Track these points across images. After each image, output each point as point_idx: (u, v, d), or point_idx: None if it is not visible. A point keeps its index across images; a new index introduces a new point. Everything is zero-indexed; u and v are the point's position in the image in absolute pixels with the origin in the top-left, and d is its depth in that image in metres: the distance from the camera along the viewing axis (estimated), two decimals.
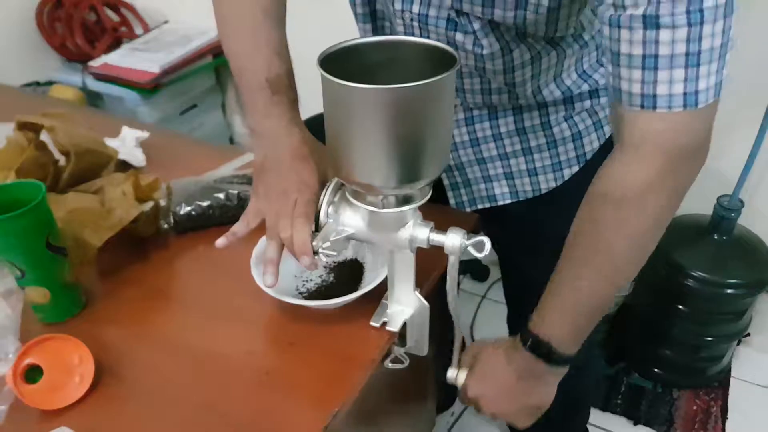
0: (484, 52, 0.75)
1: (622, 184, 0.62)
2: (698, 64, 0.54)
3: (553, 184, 0.91)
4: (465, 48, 0.76)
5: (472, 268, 1.99)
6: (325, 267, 0.81)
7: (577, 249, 0.68)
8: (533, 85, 0.82)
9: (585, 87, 0.86)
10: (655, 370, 1.64)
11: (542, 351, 0.72)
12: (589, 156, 0.90)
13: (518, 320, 1.21)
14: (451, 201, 0.96)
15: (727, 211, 1.42)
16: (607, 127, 0.90)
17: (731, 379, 1.65)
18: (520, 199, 0.93)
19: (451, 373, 0.81)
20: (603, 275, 0.68)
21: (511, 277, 1.15)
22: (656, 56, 0.54)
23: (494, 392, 0.79)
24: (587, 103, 0.88)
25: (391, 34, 0.84)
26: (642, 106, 0.57)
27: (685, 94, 0.55)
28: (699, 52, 0.54)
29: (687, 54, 0.54)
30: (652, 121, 0.57)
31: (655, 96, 0.56)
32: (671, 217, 0.64)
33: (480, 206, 0.95)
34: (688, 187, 0.62)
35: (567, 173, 0.90)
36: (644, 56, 0.55)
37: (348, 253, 0.81)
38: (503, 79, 0.80)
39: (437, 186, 0.95)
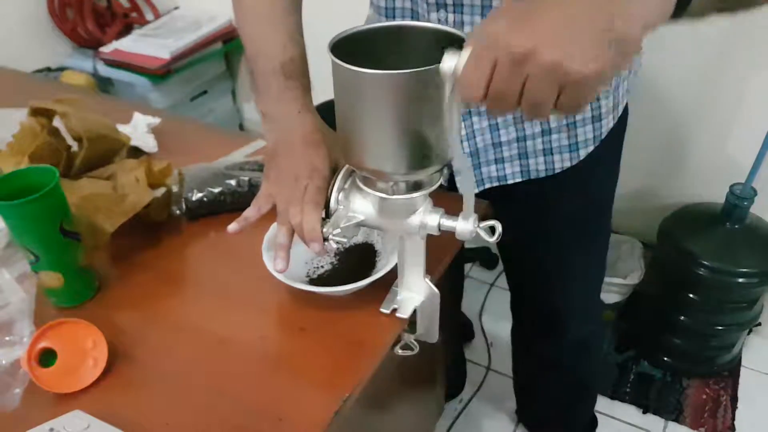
0: None
1: None
2: None
3: (567, 164, 0.90)
4: None
5: (481, 256, 1.99)
6: (336, 253, 0.81)
7: None
8: None
9: None
10: (665, 358, 1.64)
11: None
12: (605, 135, 0.89)
13: (521, 306, 1.22)
14: (459, 183, 0.95)
15: (739, 199, 1.41)
16: (621, 105, 0.88)
17: (741, 369, 1.64)
18: (531, 178, 0.92)
19: (449, 61, 0.50)
20: None
21: (513, 262, 1.15)
22: None
23: (553, 26, 0.46)
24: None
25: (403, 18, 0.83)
26: None
27: None
28: None
29: None
30: None
31: None
32: None
33: (488, 186, 0.94)
34: None
35: (583, 153, 0.89)
36: None
37: (358, 237, 0.81)
38: None
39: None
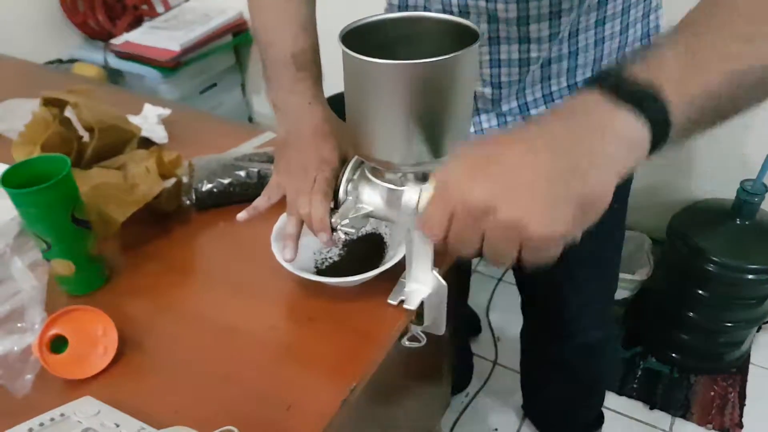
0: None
1: None
2: None
3: None
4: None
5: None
6: (344, 244, 0.81)
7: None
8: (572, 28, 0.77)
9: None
10: (673, 354, 1.64)
11: (639, 97, 0.43)
12: None
13: (532, 309, 1.21)
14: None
15: (750, 195, 1.41)
16: None
17: (750, 366, 1.64)
18: None
19: (410, 196, 0.54)
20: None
21: (523, 268, 1.15)
22: None
23: (520, 182, 0.43)
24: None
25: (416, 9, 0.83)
26: None
27: None
28: None
29: None
30: None
31: None
32: None
33: None
34: None
35: None
36: None
37: (366, 227, 0.82)
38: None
39: None
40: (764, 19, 0.45)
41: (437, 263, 0.70)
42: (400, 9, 0.85)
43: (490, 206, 0.43)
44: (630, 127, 0.43)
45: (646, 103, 0.43)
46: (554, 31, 0.76)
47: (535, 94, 0.84)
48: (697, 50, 0.45)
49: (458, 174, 0.45)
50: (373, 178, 0.63)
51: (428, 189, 0.49)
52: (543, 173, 0.42)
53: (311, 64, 0.72)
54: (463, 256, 0.48)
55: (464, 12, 0.77)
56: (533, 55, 0.79)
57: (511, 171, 0.43)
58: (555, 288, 1.10)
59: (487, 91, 0.85)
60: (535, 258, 0.45)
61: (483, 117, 0.90)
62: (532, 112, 0.86)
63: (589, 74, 0.83)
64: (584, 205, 0.43)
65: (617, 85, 0.44)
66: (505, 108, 0.87)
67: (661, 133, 0.44)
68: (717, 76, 0.44)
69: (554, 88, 0.84)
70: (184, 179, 0.90)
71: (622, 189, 0.96)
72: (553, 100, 0.85)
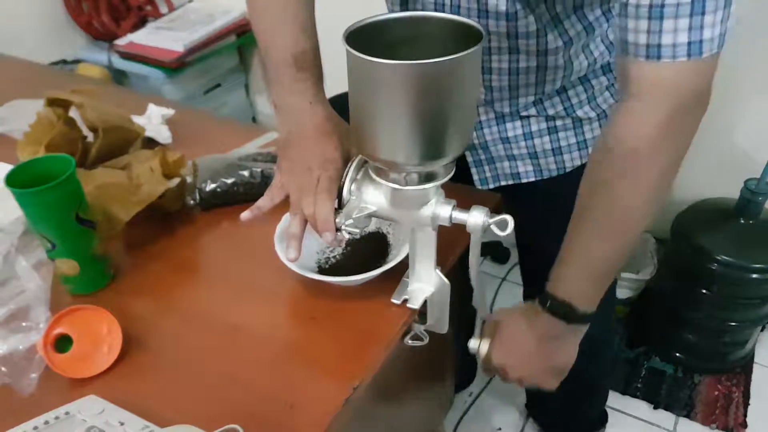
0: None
1: (634, 134, 0.63)
2: (703, 13, 0.55)
3: (578, 162, 0.90)
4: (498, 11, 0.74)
5: (492, 250, 1.99)
6: (347, 243, 0.81)
7: (591, 210, 0.70)
8: (564, 56, 0.82)
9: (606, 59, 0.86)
10: (677, 354, 1.63)
11: (562, 311, 0.74)
12: None
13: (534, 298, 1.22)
14: (475, 177, 0.96)
15: (754, 194, 1.40)
16: None
17: (754, 365, 1.63)
18: (545, 177, 0.93)
19: (474, 344, 0.82)
20: (619, 232, 0.69)
21: (528, 255, 1.15)
22: (662, 6, 0.56)
23: (517, 357, 0.80)
24: (603, 80, 0.87)
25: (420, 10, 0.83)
26: (647, 57, 0.59)
27: (689, 43, 0.57)
28: (704, 1, 0.55)
29: (692, 3, 0.55)
30: (658, 70, 0.59)
31: (659, 46, 0.58)
32: (677, 172, 0.66)
33: (503, 183, 0.94)
34: (691, 139, 0.64)
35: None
36: (651, 6, 0.56)
37: (370, 226, 0.82)
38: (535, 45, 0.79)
39: (460, 165, 0.95)
40: (617, 224, 0.69)
41: (440, 262, 0.70)
42: (401, 8, 0.86)
43: (505, 367, 0.81)
44: (575, 328, 0.77)
45: (569, 315, 0.74)
46: (541, 48, 0.79)
47: (528, 98, 0.85)
48: (584, 263, 0.72)
49: (493, 343, 0.82)
50: (377, 178, 0.63)
51: (486, 343, 0.82)
52: (536, 357, 0.79)
53: (312, 64, 0.73)
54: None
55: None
56: (522, 65, 0.82)
57: (520, 352, 0.80)
58: None
59: (480, 89, 0.86)
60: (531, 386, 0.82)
61: (480, 109, 0.90)
62: (522, 113, 0.89)
63: (575, 80, 0.87)
64: (555, 372, 0.82)
65: (550, 308, 0.75)
66: (498, 107, 0.88)
67: (585, 321, 0.76)
68: (603, 274, 0.73)
69: (548, 88, 0.85)
70: (188, 179, 0.91)
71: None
72: (542, 102, 0.87)
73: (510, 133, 0.90)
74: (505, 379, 0.83)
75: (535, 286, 1.19)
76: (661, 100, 0.60)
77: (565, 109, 0.87)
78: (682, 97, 0.60)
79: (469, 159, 0.94)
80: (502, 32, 0.77)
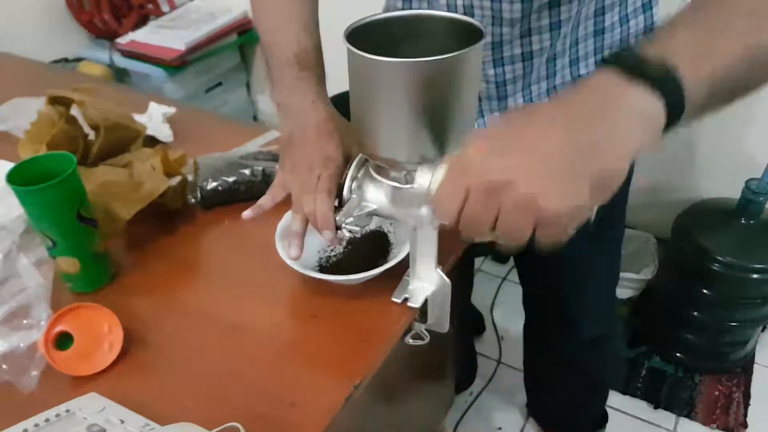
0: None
1: None
2: None
3: None
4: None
5: (493, 250, 1.99)
6: (348, 241, 0.81)
7: None
8: (575, 21, 0.78)
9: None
10: (677, 354, 1.63)
11: (650, 68, 0.44)
12: None
13: (534, 304, 1.22)
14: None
15: (755, 194, 1.40)
16: None
17: (755, 366, 1.63)
18: None
19: (421, 178, 0.56)
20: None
21: (525, 262, 1.16)
22: None
23: (530, 155, 0.44)
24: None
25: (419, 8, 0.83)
26: None
27: None
28: None
29: None
30: None
31: None
32: None
33: None
34: None
35: None
36: None
37: (370, 224, 0.82)
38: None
39: None
40: None
41: (441, 261, 0.70)
42: (404, 5, 0.85)
43: (508, 181, 0.43)
44: (646, 105, 0.44)
45: (661, 80, 0.44)
46: (554, 20, 0.76)
47: (540, 89, 0.84)
48: (708, 28, 0.46)
49: (474, 151, 0.46)
50: (378, 176, 0.63)
51: (442, 169, 0.50)
52: (561, 148, 0.43)
53: (314, 63, 0.73)
54: (473, 240, 0.49)
55: (469, 12, 0.77)
56: (535, 47, 0.79)
57: (530, 146, 0.44)
58: (556, 283, 1.10)
59: (492, 88, 0.85)
60: (549, 236, 0.45)
61: (488, 118, 0.90)
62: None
63: (592, 67, 0.83)
64: (600, 180, 0.43)
65: (632, 64, 0.44)
66: (511, 103, 0.87)
67: (676, 110, 0.44)
68: (729, 54, 0.45)
69: (558, 81, 0.84)
70: (190, 177, 0.91)
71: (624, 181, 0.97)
72: (556, 92, 0.85)
73: None
74: (484, 220, 0.46)
75: (534, 293, 1.19)
76: None
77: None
78: None
79: None
80: (516, 17, 0.75)
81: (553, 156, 0.43)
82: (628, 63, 0.45)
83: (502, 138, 0.46)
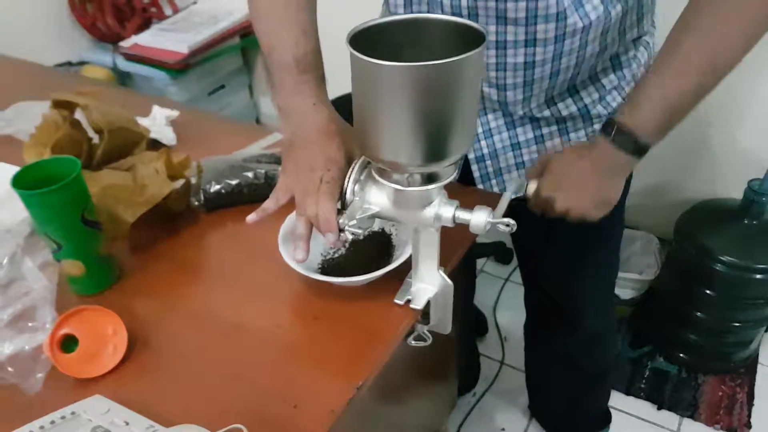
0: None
1: None
2: None
3: None
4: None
5: (496, 251, 1.99)
6: (351, 244, 0.81)
7: (685, 43, 0.69)
8: (581, 39, 0.81)
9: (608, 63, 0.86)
10: (680, 354, 1.63)
11: (626, 140, 0.74)
12: None
13: (535, 301, 1.22)
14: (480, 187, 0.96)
15: (757, 195, 1.40)
16: None
17: (758, 366, 1.63)
18: None
19: (530, 188, 0.85)
20: (710, 65, 0.69)
21: (528, 259, 1.16)
22: None
23: (568, 189, 0.81)
24: (613, 79, 0.87)
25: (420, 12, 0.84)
26: None
27: None
28: None
29: None
30: None
31: None
32: None
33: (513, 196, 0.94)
34: None
35: None
36: None
37: (374, 227, 0.82)
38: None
39: (465, 175, 0.96)
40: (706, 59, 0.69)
41: (443, 263, 0.70)
42: (405, 9, 0.86)
43: (555, 198, 0.82)
44: (629, 161, 0.77)
45: (637, 150, 0.75)
46: (560, 33, 0.77)
47: (540, 96, 0.85)
48: (662, 95, 0.72)
49: (544, 176, 0.83)
50: (380, 179, 0.63)
51: (533, 184, 0.84)
52: (593, 193, 0.82)
53: (313, 66, 0.73)
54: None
55: (473, 13, 0.77)
56: (538, 58, 0.80)
57: (571, 183, 0.81)
58: (556, 280, 1.11)
59: (493, 92, 0.86)
60: (577, 219, 0.83)
61: (490, 116, 0.90)
62: (537, 115, 0.88)
63: (586, 78, 0.86)
64: (609, 205, 0.83)
65: (618, 141, 0.75)
66: (511, 109, 0.88)
67: (643, 153, 0.76)
68: (685, 94, 0.72)
69: (556, 92, 0.85)
70: (193, 180, 0.91)
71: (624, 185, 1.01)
72: (555, 104, 0.87)
73: (521, 138, 0.90)
74: (549, 212, 0.84)
75: (535, 289, 1.20)
76: None
77: (579, 109, 0.87)
78: None
79: (476, 174, 0.94)
80: (521, 17, 0.76)
81: (589, 196, 0.82)
82: (615, 140, 0.75)
83: (558, 172, 0.82)
